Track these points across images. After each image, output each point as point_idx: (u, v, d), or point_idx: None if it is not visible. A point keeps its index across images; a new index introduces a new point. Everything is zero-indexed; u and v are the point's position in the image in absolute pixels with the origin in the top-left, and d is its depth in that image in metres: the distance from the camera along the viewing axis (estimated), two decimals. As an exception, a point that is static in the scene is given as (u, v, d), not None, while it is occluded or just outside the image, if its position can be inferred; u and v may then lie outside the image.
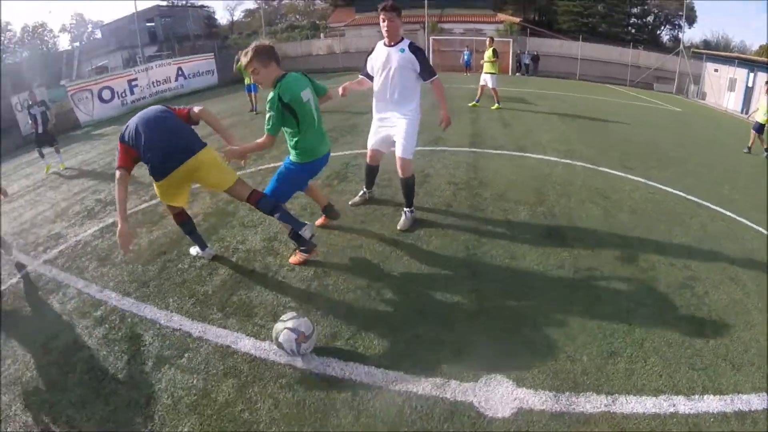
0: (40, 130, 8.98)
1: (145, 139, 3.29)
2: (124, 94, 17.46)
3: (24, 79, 23.31)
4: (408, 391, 2.46)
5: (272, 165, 6.38)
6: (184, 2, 45.67)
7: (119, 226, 3.17)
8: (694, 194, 5.57)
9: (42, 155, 8.79)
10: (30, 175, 8.81)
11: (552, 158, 6.83)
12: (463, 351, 2.75)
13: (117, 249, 4.43)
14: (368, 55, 4.22)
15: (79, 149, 10.80)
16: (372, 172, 4.69)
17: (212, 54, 23.74)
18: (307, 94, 3.41)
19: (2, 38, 37.79)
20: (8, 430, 2.46)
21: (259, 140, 3.45)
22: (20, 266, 4.41)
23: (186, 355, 2.84)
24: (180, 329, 3.09)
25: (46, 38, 44.16)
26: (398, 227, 4.30)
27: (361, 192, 4.95)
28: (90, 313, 3.42)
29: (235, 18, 53.52)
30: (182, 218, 3.83)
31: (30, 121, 9.26)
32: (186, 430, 2.31)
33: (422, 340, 2.85)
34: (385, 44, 4.06)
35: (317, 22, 41.39)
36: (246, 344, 2.87)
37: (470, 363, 2.65)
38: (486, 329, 2.96)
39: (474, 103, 11.82)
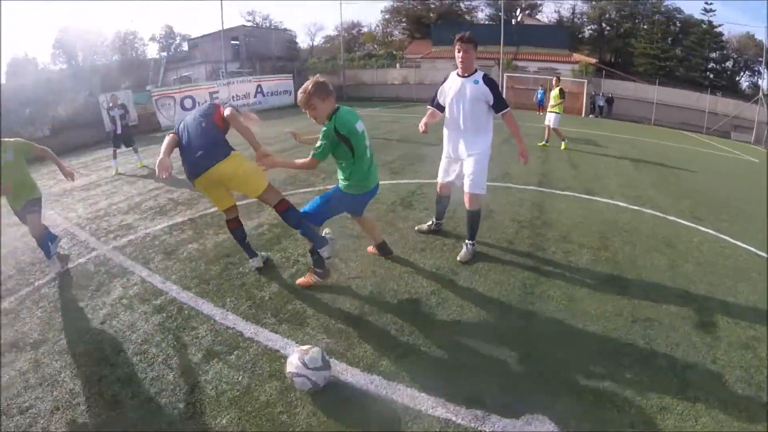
0: (118, 131, 9.68)
1: (182, 143, 3.55)
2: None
3: (112, 80, 25.38)
4: (447, 419, 2.41)
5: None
6: (268, 24, 48.35)
7: (161, 155, 3.31)
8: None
9: (115, 156, 9.41)
10: (108, 168, 9.59)
11: (620, 203, 6.58)
12: (508, 387, 2.68)
13: (183, 245, 4.70)
14: (440, 85, 4.23)
15: (157, 150, 11.44)
16: (442, 201, 4.65)
17: (291, 75, 24.88)
18: (360, 125, 3.45)
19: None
20: (54, 393, 2.64)
21: (301, 161, 3.47)
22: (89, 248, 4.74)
23: (235, 352, 2.94)
24: (233, 328, 3.21)
25: (136, 45, 47.74)
26: (458, 258, 4.26)
27: (430, 222, 4.92)
28: (150, 301, 3.64)
29: (315, 43, 56.10)
30: (233, 225, 3.97)
31: (110, 122, 10.01)
32: (224, 422, 2.39)
33: (468, 371, 2.81)
34: (458, 74, 4.07)
35: (394, 52, 42.49)
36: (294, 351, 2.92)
37: (514, 400, 2.57)
38: (534, 368, 2.86)
39: (543, 143, 11.69)
